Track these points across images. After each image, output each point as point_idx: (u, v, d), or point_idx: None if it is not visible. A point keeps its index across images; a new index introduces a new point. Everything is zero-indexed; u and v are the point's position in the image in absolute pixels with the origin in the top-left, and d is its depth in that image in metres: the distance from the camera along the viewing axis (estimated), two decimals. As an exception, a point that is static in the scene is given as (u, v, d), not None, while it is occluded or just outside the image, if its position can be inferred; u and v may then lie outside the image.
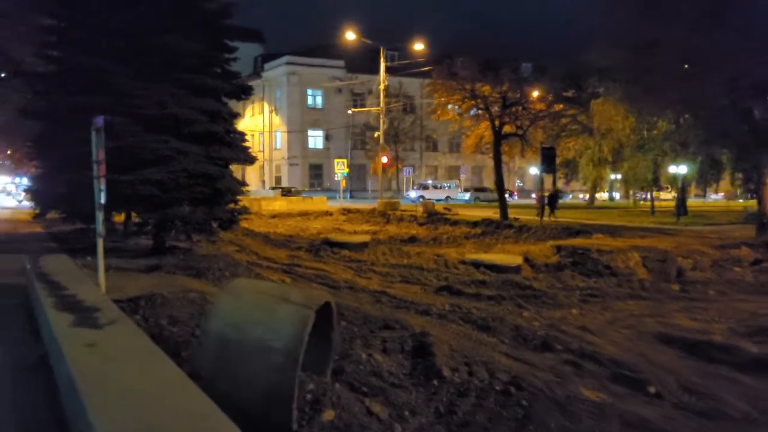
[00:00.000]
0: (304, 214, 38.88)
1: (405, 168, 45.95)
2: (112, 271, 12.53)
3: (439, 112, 30.25)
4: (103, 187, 7.49)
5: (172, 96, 13.45)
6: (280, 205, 39.93)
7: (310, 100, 65.68)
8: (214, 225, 14.61)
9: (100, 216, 7.62)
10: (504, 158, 68.47)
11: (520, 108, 27.75)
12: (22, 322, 7.59)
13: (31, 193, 20.37)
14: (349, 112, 56.42)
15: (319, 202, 42.19)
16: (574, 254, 19.21)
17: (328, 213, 39.48)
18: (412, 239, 25.60)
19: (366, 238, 22.62)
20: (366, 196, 55.03)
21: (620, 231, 24.25)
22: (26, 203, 25.19)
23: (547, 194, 30.84)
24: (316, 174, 67.67)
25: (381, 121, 38.63)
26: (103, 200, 7.57)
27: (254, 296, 5.23)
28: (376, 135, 37.67)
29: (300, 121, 64.75)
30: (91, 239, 18.92)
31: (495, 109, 28.03)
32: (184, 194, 13.62)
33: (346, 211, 39.55)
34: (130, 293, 10.29)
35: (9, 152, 75.21)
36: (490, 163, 70.69)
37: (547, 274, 17.40)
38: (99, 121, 7.48)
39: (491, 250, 22.14)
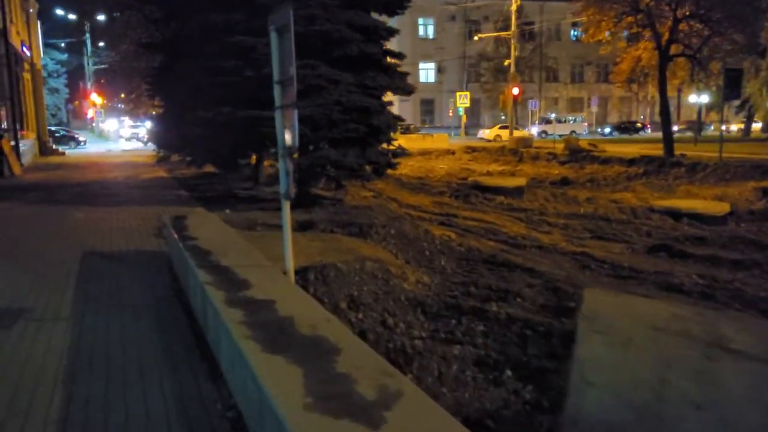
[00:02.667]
0: (425, 153, 36.00)
1: (530, 101, 41.76)
2: (260, 228, 10.30)
3: (591, 31, 26.01)
4: (292, 122, 4.91)
5: (323, 8, 10.75)
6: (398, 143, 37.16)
7: (421, 30, 61.56)
8: (368, 169, 12.02)
9: (287, 167, 5.03)
10: (633, 88, 62.42)
11: (696, 23, 23.17)
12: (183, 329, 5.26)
13: (153, 134, 18.70)
14: (476, 38, 51.56)
15: (439, 139, 39.10)
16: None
17: (450, 151, 36.41)
18: (565, 181, 22.25)
19: (520, 181, 19.55)
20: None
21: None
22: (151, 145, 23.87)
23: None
24: (427, 110, 64.07)
25: (512, 47, 34.53)
26: (291, 141, 4.99)
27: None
28: (506, 63, 33.77)
29: (411, 53, 61.07)
30: (224, 186, 17.13)
31: (661, 25, 23.64)
32: (337, 132, 11.06)
33: (470, 150, 36.29)
34: (294, 261, 7.97)
35: (123, 95, 76.76)
36: (616, 93, 64.94)
37: (759, 222, 13.96)
38: (284, 16, 4.82)
39: (673, 194, 18.54)
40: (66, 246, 8.19)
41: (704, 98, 40.26)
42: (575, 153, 29.22)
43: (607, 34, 26.32)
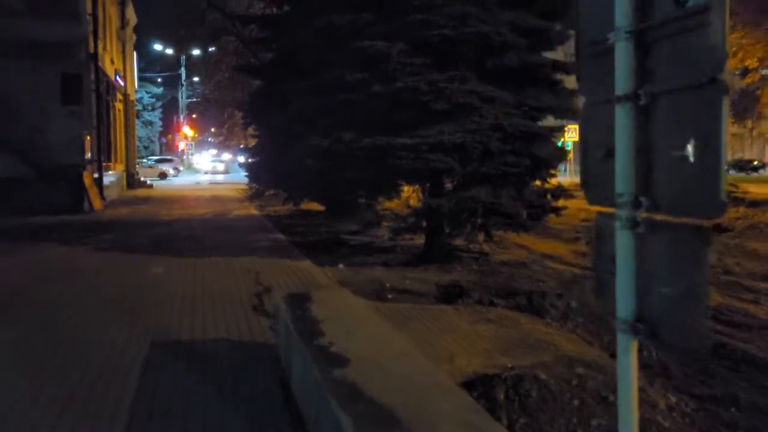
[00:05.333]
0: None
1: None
2: (390, 296, 7.52)
3: (740, 55, 22.41)
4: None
5: (480, 5, 8.04)
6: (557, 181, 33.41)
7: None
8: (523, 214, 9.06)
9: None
10: (747, 124, 56.85)
11: None
12: None
13: (246, 167, 16.55)
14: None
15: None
16: None
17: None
18: (719, 228, 18.47)
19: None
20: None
21: None
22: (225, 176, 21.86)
23: None
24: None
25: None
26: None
27: None
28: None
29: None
30: (327, 228, 14.40)
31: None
32: (492, 167, 8.21)
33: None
34: (465, 364, 5.14)
35: (213, 129, 77.43)
36: (728, 129, 59.35)
37: None
38: None
39: None
40: (128, 331, 5.56)
41: None
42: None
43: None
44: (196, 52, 44.52)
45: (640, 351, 7.05)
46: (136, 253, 10.17)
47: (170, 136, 79.75)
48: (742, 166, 49.12)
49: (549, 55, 9.08)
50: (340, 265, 9.16)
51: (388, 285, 7.88)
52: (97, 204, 17.10)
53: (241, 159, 59.70)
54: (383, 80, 8.15)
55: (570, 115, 9.17)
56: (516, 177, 8.71)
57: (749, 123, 56.61)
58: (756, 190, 26.45)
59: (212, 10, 21.35)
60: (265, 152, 14.01)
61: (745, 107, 52.77)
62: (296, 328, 3.73)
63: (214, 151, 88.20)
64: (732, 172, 44.81)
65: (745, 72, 47.06)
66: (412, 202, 10.11)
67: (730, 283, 11.30)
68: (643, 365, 6.48)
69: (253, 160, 15.85)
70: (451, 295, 7.59)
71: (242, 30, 20.43)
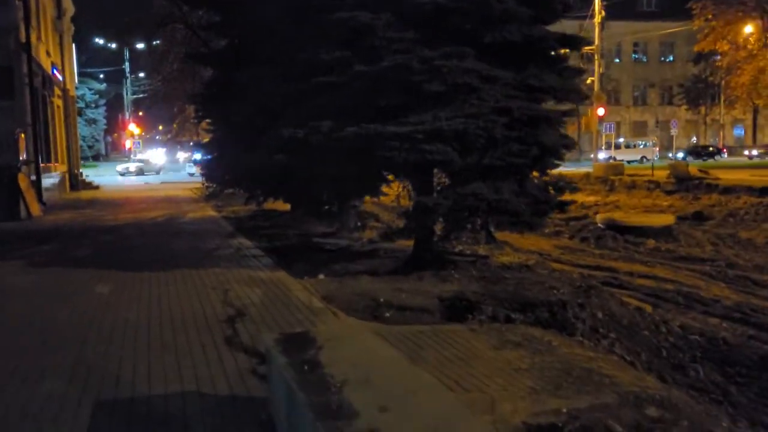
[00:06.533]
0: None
1: (606, 123, 37.29)
2: (389, 314, 6.36)
3: (710, 39, 21.87)
4: None
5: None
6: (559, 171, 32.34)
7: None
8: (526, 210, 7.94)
9: None
10: (701, 110, 57.38)
11: None
12: None
13: (205, 166, 15.11)
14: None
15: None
16: None
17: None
18: (699, 216, 17.94)
19: (667, 218, 15.33)
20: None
21: None
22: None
23: None
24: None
25: (596, 63, 30.18)
26: None
27: None
28: (589, 80, 29.59)
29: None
30: (296, 230, 12.82)
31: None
32: (496, 157, 7.09)
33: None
34: (509, 411, 4.03)
35: (160, 127, 74.43)
36: (682, 115, 59.99)
37: None
38: None
39: None
40: (65, 385, 4.22)
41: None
42: (684, 181, 24.73)
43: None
44: (140, 45, 42.27)
45: (684, 370, 6.08)
46: (78, 268, 8.71)
47: (116, 134, 76.54)
48: (699, 152, 49.39)
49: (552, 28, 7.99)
50: (321, 276, 7.92)
51: (382, 300, 6.69)
52: (35, 209, 15.37)
53: (185, 155, 56.97)
54: (367, 59, 6.95)
55: (574, 97, 8.12)
56: (520, 168, 7.62)
57: (702, 110, 57.15)
58: (725, 176, 26.20)
59: (158, -6, 19.70)
60: (223, 148, 12.63)
61: (698, 93, 53.21)
62: (309, 401, 2.51)
63: (162, 149, 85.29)
64: (690, 158, 44.93)
65: (698, 58, 47.34)
66: (403, 202, 8.91)
67: (739, 278, 10.54)
68: (697, 389, 5.50)
69: (209, 156, 14.41)
70: (458, 310, 6.48)
71: (191, 15, 18.84)
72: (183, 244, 10.80)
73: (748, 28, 20.14)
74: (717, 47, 21.89)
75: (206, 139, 15.39)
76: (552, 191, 8.39)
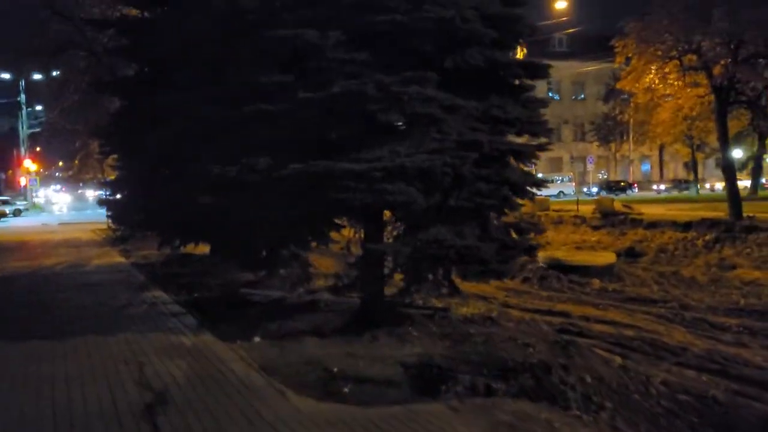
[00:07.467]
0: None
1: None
2: (348, 390, 5.22)
3: (633, 76, 22.27)
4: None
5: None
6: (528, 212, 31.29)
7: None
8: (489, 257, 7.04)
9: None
10: (612, 147, 59.66)
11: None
12: None
13: (111, 206, 13.44)
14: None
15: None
16: None
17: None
18: (632, 253, 17.83)
19: (609, 257, 14.94)
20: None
21: None
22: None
23: None
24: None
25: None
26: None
27: None
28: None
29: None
30: (217, 279, 11.17)
31: (717, 66, 20.02)
32: (462, 198, 6.18)
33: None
34: None
35: (60, 163, 70.02)
36: (593, 151, 62.09)
37: None
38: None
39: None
40: None
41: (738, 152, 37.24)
42: (609, 216, 24.97)
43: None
44: (37, 76, 39.32)
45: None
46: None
47: (10, 171, 71.35)
48: (611, 187, 51.21)
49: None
50: (257, 339, 6.68)
51: (335, 370, 5.56)
52: None
53: (95, 193, 53.53)
54: (314, 84, 5.90)
55: (539, 129, 7.38)
56: (484, 210, 6.74)
57: (613, 146, 59.40)
58: (648, 211, 26.69)
59: (57, 18, 17.89)
60: (132, 186, 11.16)
61: (609, 130, 55.29)
62: None
63: (58, 187, 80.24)
64: (603, 193, 46.30)
65: (608, 97, 49.21)
66: (354, 249, 7.83)
67: (697, 320, 10.06)
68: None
69: (116, 196, 12.82)
70: (428, 381, 5.42)
71: (94, 41, 17.21)
72: (87, 300, 9.21)
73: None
74: (638, 85, 22.32)
75: (112, 177, 13.80)
76: (514, 234, 7.55)
